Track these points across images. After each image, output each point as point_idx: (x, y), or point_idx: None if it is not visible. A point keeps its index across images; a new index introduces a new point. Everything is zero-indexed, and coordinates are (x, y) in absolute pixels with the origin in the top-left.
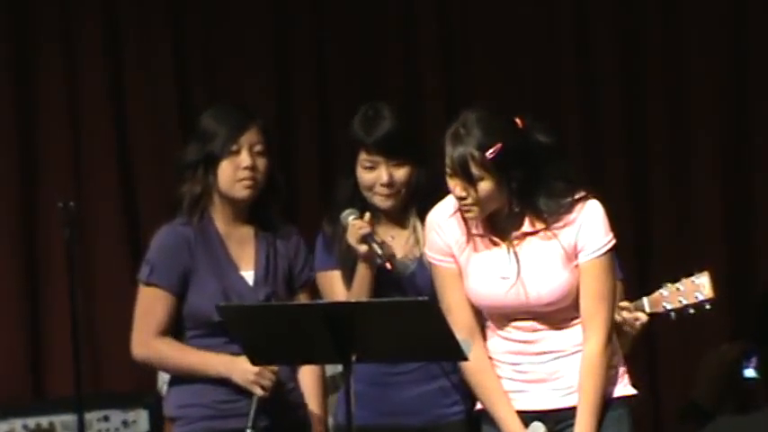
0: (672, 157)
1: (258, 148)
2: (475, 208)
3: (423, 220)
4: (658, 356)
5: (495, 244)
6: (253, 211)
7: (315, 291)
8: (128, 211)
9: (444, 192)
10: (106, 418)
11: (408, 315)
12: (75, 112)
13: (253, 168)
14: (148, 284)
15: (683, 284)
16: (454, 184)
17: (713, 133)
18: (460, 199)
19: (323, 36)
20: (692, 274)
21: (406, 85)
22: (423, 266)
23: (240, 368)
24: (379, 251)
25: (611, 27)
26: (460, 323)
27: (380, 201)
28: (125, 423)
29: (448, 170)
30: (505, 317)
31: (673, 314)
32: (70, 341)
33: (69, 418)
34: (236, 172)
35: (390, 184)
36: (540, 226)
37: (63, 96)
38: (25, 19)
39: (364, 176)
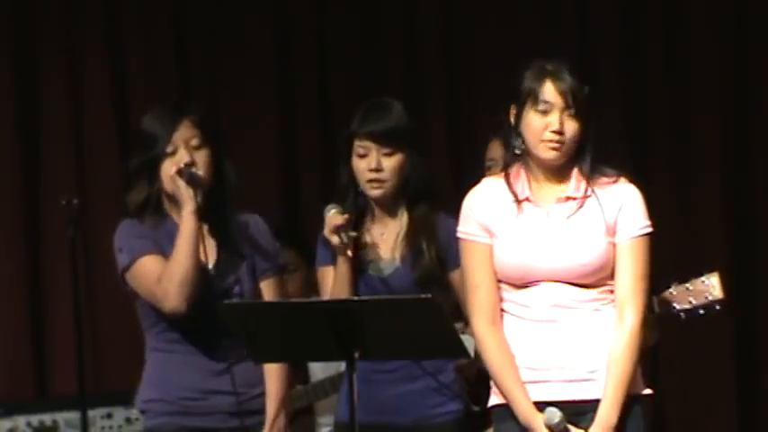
0: (672, 157)
1: (194, 142)
2: (563, 147)
3: (412, 215)
4: (659, 356)
5: (537, 207)
6: (207, 204)
7: (282, 282)
8: None
9: (437, 189)
10: (109, 416)
11: (412, 313)
12: (77, 110)
13: (192, 165)
14: (134, 262)
15: (693, 285)
16: (549, 122)
17: (714, 131)
18: (557, 134)
19: (324, 38)
20: (701, 274)
21: (406, 85)
22: (402, 269)
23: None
24: (346, 240)
25: (613, 22)
26: (485, 303)
27: (369, 188)
28: (128, 420)
29: (546, 105)
30: (532, 283)
31: (683, 315)
32: (73, 339)
33: (73, 416)
34: None
35: (378, 169)
36: (582, 192)
37: (65, 94)
38: (27, 17)
39: (357, 164)
